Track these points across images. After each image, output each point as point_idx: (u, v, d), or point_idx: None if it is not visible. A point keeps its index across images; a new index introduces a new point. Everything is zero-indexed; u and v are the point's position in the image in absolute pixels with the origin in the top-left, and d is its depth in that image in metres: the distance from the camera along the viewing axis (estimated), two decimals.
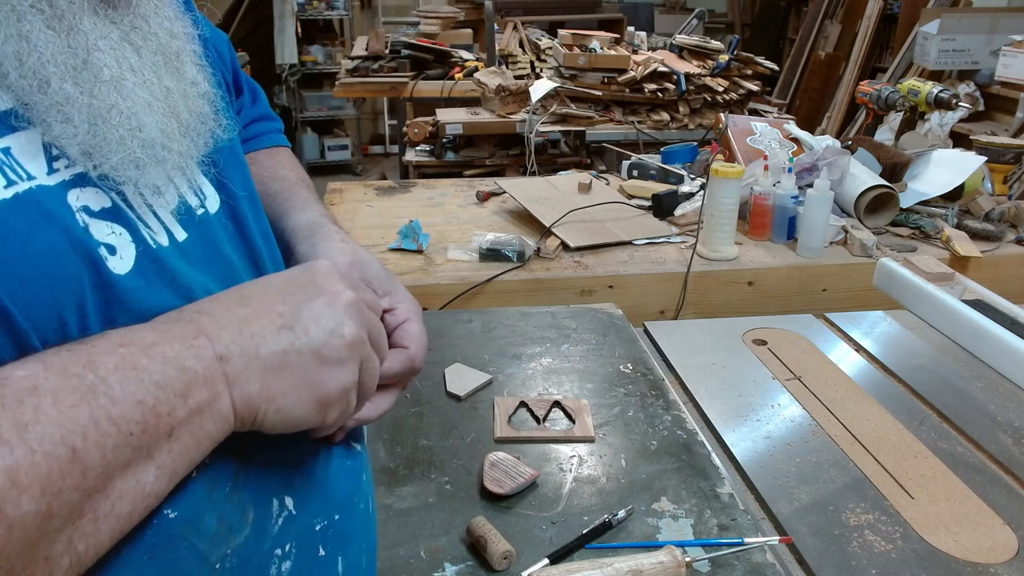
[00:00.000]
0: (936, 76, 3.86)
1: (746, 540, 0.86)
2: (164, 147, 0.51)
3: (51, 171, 0.45)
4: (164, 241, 0.51)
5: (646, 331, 1.42)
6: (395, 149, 5.94)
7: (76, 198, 0.46)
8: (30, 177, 0.44)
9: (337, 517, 0.59)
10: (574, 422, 1.08)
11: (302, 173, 0.84)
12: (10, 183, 0.42)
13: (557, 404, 1.12)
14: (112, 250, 0.46)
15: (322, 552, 0.57)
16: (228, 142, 0.61)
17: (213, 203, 0.58)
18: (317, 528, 0.57)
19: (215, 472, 0.50)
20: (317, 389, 0.49)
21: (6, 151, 0.43)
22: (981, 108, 3.82)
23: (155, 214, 0.51)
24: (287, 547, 0.54)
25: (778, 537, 0.89)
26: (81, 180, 0.47)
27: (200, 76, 0.57)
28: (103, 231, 0.46)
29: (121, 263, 0.46)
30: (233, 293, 0.50)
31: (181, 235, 0.53)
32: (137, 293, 0.47)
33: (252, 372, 0.46)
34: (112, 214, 0.48)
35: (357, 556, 0.61)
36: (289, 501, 0.55)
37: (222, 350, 0.46)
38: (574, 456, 1.02)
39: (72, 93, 0.46)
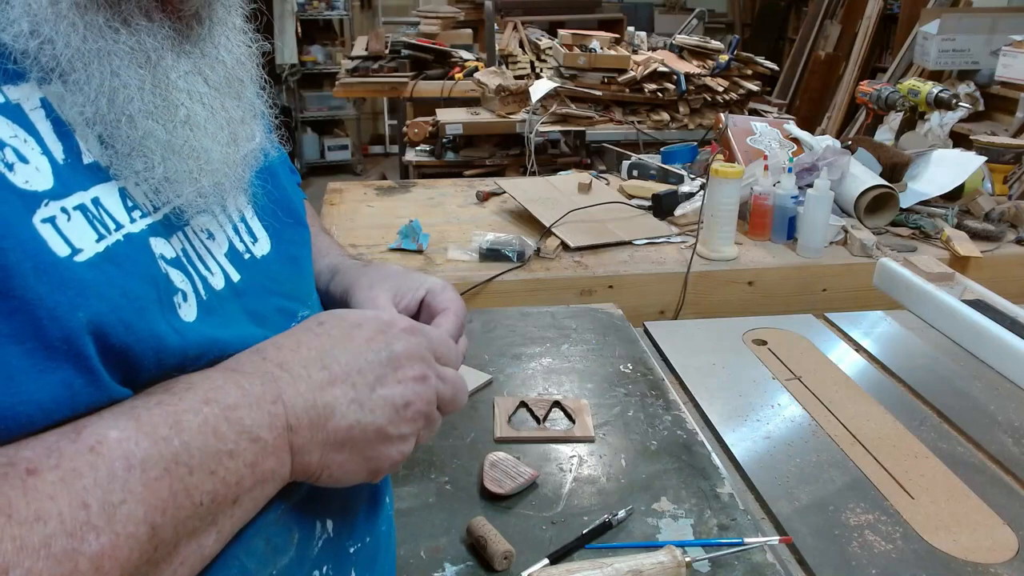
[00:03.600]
0: (936, 76, 3.85)
1: (746, 540, 0.86)
2: (224, 174, 0.52)
3: (132, 220, 0.46)
4: (220, 284, 0.52)
5: (646, 331, 1.42)
6: (395, 149, 5.93)
7: (155, 246, 0.47)
8: (119, 227, 0.45)
9: (368, 540, 0.61)
10: (574, 422, 1.08)
11: (320, 223, 0.87)
12: (101, 237, 0.43)
13: (557, 404, 1.12)
14: (185, 297, 0.48)
15: (354, 574, 0.58)
16: (277, 159, 0.63)
17: (264, 244, 0.59)
18: (351, 551, 0.58)
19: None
20: (372, 463, 0.51)
21: (96, 201, 0.44)
22: (981, 108, 3.81)
23: (213, 256, 0.53)
24: (324, 568, 0.55)
25: (778, 537, 0.89)
26: (154, 230, 0.48)
27: (257, 99, 0.59)
28: (177, 278, 0.48)
29: (190, 311, 0.48)
30: (314, 346, 0.50)
31: (236, 276, 0.54)
32: (200, 339, 0.47)
33: (315, 443, 0.48)
34: (179, 262, 0.49)
35: None
36: (329, 524, 0.56)
37: (294, 421, 0.47)
38: (574, 456, 1.02)
39: (152, 129, 0.47)
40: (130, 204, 0.47)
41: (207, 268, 0.52)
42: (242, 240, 0.57)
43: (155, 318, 0.44)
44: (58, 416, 0.40)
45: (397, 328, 0.53)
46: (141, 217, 0.47)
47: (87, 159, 0.45)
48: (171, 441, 0.41)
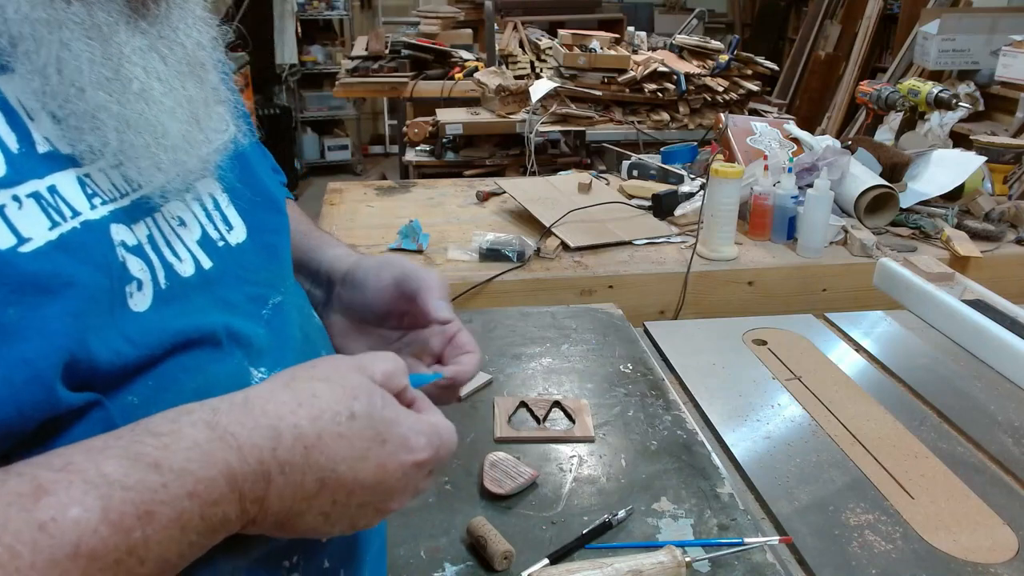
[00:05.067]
0: (936, 76, 3.85)
1: (746, 540, 0.86)
2: (186, 152, 0.51)
3: (92, 207, 0.46)
4: (189, 271, 0.51)
5: (646, 331, 1.42)
6: (395, 149, 5.93)
7: (116, 233, 0.47)
8: (76, 214, 0.44)
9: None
10: (574, 422, 1.08)
11: (311, 221, 0.88)
12: (55, 224, 0.43)
13: (557, 404, 1.12)
14: (140, 286, 0.47)
15: (327, 564, 0.58)
16: (250, 146, 0.62)
17: (240, 232, 0.58)
18: (324, 540, 0.58)
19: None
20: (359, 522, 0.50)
21: (52, 189, 0.44)
22: (981, 108, 3.81)
23: (183, 243, 0.52)
24: (294, 559, 0.55)
25: (778, 537, 0.89)
26: (117, 216, 0.47)
27: (222, 84, 0.58)
28: (135, 266, 0.47)
29: (143, 300, 0.47)
30: (331, 453, 0.46)
31: (207, 264, 0.53)
32: (150, 330, 0.46)
33: (269, 529, 0.47)
34: (141, 249, 0.48)
35: None
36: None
37: (261, 518, 0.45)
38: (574, 456, 1.02)
39: (104, 101, 0.46)
40: (90, 191, 0.46)
41: (175, 255, 0.51)
42: (216, 228, 0.56)
43: (102, 312, 0.43)
44: (5, 424, 0.38)
45: (414, 459, 0.49)
46: (103, 204, 0.46)
47: (42, 148, 0.45)
48: (133, 533, 0.39)
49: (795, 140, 2.20)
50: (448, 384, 0.65)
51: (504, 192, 2.11)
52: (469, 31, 4.72)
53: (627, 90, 3.22)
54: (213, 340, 0.50)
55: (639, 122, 3.18)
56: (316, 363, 0.50)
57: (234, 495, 0.43)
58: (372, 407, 0.48)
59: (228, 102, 0.58)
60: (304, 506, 0.46)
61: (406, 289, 0.67)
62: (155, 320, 0.47)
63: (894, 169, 2.06)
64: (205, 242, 0.54)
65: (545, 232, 1.84)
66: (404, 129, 3.31)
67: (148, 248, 0.49)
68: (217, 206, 0.57)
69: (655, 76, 3.21)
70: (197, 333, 0.49)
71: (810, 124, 4.61)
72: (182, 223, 0.53)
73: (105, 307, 0.44)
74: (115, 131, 0.47)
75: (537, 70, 3.71)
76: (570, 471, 0.99)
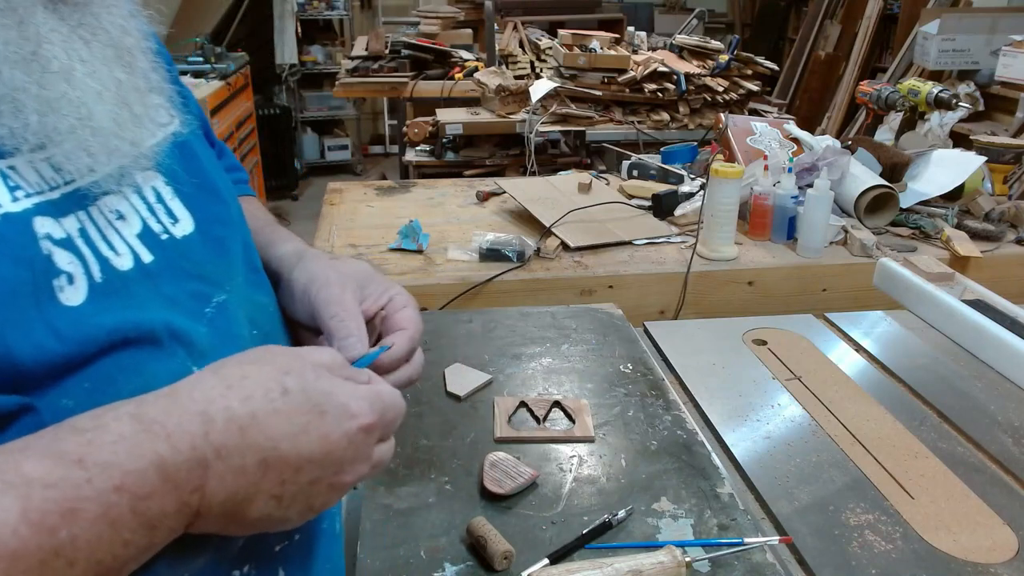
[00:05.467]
0: (936, 76, 3.86)
1: (746, 540, 0.86)
2: (117, 136, 0.50)
3: (14, 199, 0.45)
4: (127, 265, 0.50)
5: (646, 331, 1.42)
6: (395, 149, 5.93)
7: (40, 226, 0.45)
8: None
9: (298, 537, 0.59)
10: (574, 422, 1.08)
11: (272, 216, 0.85)
12: None
13: (557, 404, 1.12)
14: (71, 279, 0.45)
15: (281, 574, 0.57)
16: (189, 136, 0.60)
17: (186, 225, 0.56)
18: (277, 549, 0.56)
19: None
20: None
21: None
22: (981, 108, 3.82)
23: (122, 236, 0.50)
24: (245, 568, 0.53)
25: (778, 537, 0.89)
26: (43, 209, 0.46)
27: (154, 72, 0.56)
28: (63, 259, 0.45)
29: (75, 294, 0.45)
30: (268, 431, 0.45)
31: (148, 257, 0.51)
32: (86, 323, 0.45)
33: (216, 524, 0.45)
34: (70, 242, 0.47)
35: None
36: None
37: (205, 510, 0.44)
38: (574, 456, 1.02)
39: (22, 82, 0.45)
40: (12, 184, 0.45)
41: (111, 248, 0.49)
42: (160, 221, 0.54)
43: (26, 306, 0.42)
44: None
45: (358, 424, 0.48)
46: (27, 196, 0.45)
47: None
48: (58, 532, 0.37)
49: (795, 140, 2.20)
50: (387, 364, 0.62)
51: (504, 192, 2.11)
52: (469, 31, 4.72)
53: (627, 90, 3.22)
54: (153, 338, 0.48)
55: (639, 122, 3.18)
56: (248, 351, 0.50)
57: (168, 486, 0.41)
58: (305, 380, 0.47)
59: (167, 92, 0.57)
60: (252, 490, 0.45)
61: (311, 297, 0.64)
62: (89, 314, 0.45)
63: (894, 169, 2.06)
64: (146, 235, 0.52)
65: (545, 232, 1.84)
66: (404, 129, 3.31)
67: (80, 241, 0.47)
68: (161, 199, 0.55)
69: (655, 76, 3.21)
70: (135, 331, 0.47)
71: (810, 124, 4.61)
72: (120, 216, 0.51)
73: (27, 301, 0.42)
74: (36, 113, 0.46)
75: (537, 70, 3.71)
76: (570, 471, 0.99)
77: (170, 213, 0.55)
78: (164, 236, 0.54)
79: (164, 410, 0.43)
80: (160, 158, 0.55)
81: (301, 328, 0.68)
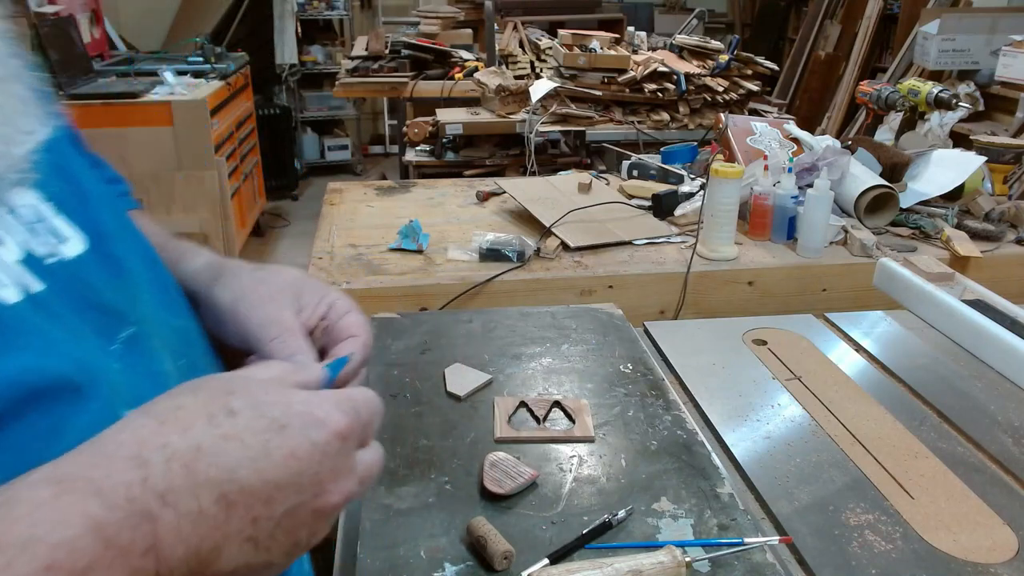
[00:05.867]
0: (936, 76, 3.86)
1: (746, 540, 0.86)
2: None
3: None
4: (14, 297, 0.42)
5: (646, 331, 1.42)
6: (395, 149, 5.93)
7: None
8: None
9: None
10: (574, 422, 1.08)
11: (168, 231, 0.75)
12: None
13: (557, 404, 1.12)
14: None
15: None
16: (65, 147, 0.54)
17: (76, 244, 0.49)
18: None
19: None
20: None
21: None
22: (981, 108, 3.82)
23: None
24: None
25: (778, 537, 0.89)
26: None
27: (11, 79, 0.49)
28: None
29: None
30: (218, 460, 0.38)
31: (37, 287, 0.44)
32: None
33: None
34: None
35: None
36: None
37: (165, 572, 0.36)
38: (574, 456, 1.02)
39: None
40: None
41: None
42: (44, 242, 0.46)
43: None
44: None
45: (328, 431, 0.41)
46: None
47: None
48: None
49: (795, 140, 2.20)
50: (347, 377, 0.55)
51: (504, 192, 2.11)
52: (469, 31, 4.72)
53: (627, 90, 3.22)
54: (67, 384, 0.41)
55: (639, 122, 3.18)
56: (178, 386, 0.42)
57: (111, 553, 0.34)
58: (253, 396, 0.41)
59: (25, 99, 0.49)
60: (218, 537, 0.37)
61: (241, 319, 0.56)
62: None
63: (894, 169, 2.06)
64: (30, 261, 0.44)
65: (545, 232, 1.84)
66: (404, 129, 3.31)
67: None
68: (41, 218, 0.48)
69: (655, 76, 3.22)
70: (41, 378, 0.39)
71: (810, 124, 4.61)
72: None
73: None
74: None
75: (537, 70, 3.71)
76: (570, 471, 0.99)
77: (54, 232, 0.48)
78: (51, 260, 0.46)
79: (88, 463, 0.36)
80: (31, 169, 0.47)
81: (233, 352, 0.58)
